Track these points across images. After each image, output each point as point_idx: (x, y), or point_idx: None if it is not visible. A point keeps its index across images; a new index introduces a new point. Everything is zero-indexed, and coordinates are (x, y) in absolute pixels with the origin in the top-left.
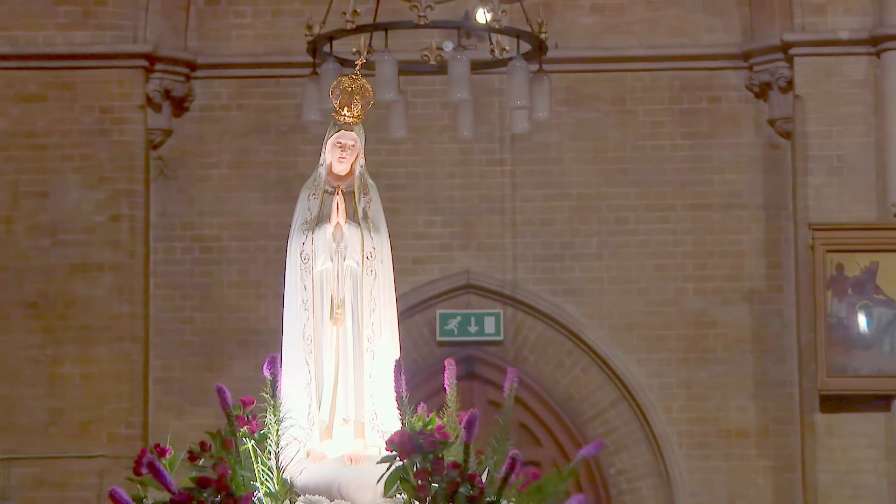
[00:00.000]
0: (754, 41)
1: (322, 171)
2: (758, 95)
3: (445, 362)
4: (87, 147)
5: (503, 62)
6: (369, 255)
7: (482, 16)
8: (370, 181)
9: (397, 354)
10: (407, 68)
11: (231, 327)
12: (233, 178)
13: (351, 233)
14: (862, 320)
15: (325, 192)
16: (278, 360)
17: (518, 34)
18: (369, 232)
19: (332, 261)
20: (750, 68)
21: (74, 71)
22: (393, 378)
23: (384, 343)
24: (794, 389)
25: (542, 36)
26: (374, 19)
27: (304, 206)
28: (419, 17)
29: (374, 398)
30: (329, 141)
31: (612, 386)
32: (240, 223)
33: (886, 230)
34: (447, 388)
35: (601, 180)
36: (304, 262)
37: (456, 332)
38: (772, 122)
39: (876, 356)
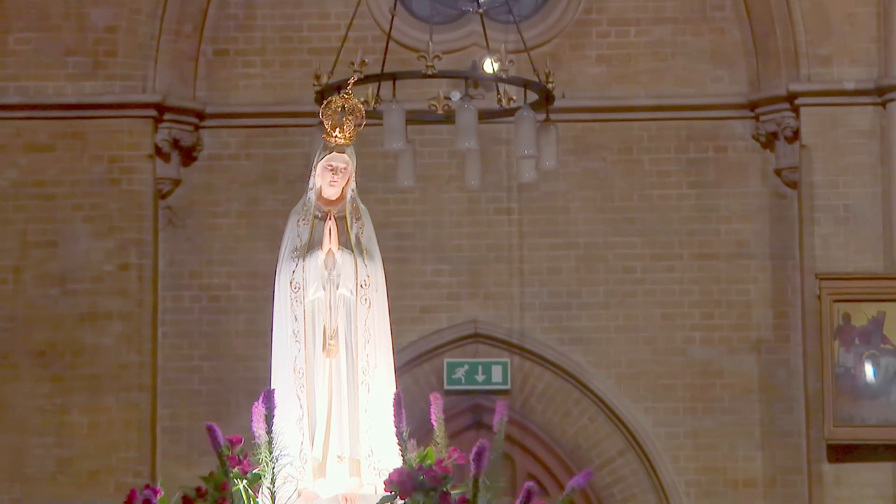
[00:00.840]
0: (760, 91)
1: (311, 195)
2: (764, 145)
3: (431, 396)
4: (96, 196)
5: (510, 112)
6: (363, 284)
7: (489, 66)
8: (362, 206)
9: (394, 387)
10: (414, 118)
11: (239, 376)
12: (241, 228)
13: (344, 260)
14: (869, 370)
15: (315, 217)
16: (274, 395)
17: (525, 84)
18: (363, 259)
19: (324, 289)
20: (756, 118)
21: (84, 121)
22: (392, 412)
23: (380, 375)
24: (802, 439)
25: (549, 86)
26: (382, 69)
27: (294, 233)
28: (427, 66)
29: (369, 434)
30: (319, 163)
31: (619, 435)
32: (248, 272)
33: (893, 280)
34: (434, 422)
35: (608, 229)
36: (295, 290)
37: (463, 381)
38: (778, 172)
39: (883, 406)
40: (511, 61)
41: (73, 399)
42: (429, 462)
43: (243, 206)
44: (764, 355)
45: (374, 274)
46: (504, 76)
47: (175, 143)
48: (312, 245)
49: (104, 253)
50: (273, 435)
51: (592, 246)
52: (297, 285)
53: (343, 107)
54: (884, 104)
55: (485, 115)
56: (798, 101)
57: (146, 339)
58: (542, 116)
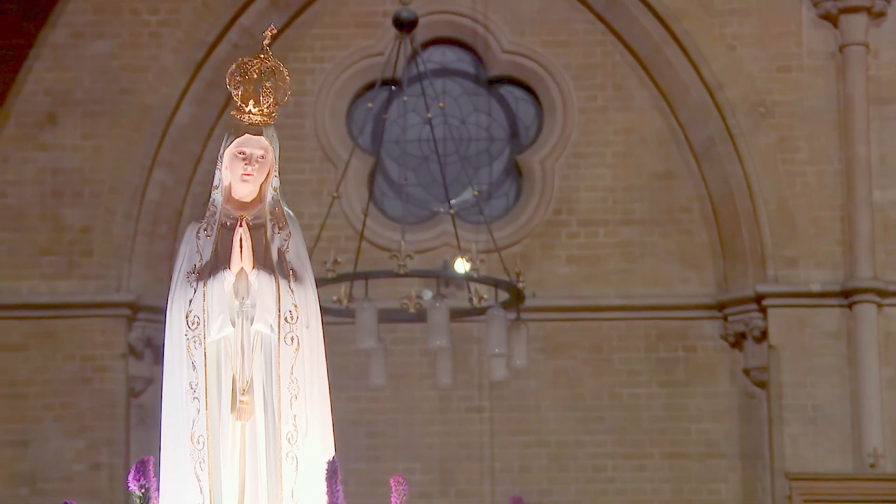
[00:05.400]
0: (728, 292)
1: (217, 196)
2: (733, 345)
3: (392, 481)
4: (67, 395)
5: (481, 311)
6: (288, 317)
7: (461, 265)
8: (288, 210)
9: (332, 458)
10: (387, 316)
11: None
12: None
13: (261, 284)
14: None
15: (223, 226)
16: (151, 467)
17: (496, 283)
18: (288, 282)
19: (233, 325)
20: (724, 318)
21: (57, 320)
22: (326, 491)
23: (312, 445)
24: None
25: (520, 285)
26: (355, 268)
27: (192, 247)
28: (399, 266)
29: None
30: (227, 152)
31: None
32: None
33: (863, 481)
34: None
35: (579, 428)
36: (192, 327)
37: None
38: (747, 372)
39: None
40: (482, 261)
41: None
42: None
43: None
44: None
45: (305, 303)
46: (475, 276)
47: (148, 342)
48: (217, 264)
49: (75, 452)
50: None
51: (563, 444)
52: (196, 319)
53: (260, 70)
54: (850, 306)
55: (456, 314)
56: (765, 303)
57: None
58: (512, 315)
